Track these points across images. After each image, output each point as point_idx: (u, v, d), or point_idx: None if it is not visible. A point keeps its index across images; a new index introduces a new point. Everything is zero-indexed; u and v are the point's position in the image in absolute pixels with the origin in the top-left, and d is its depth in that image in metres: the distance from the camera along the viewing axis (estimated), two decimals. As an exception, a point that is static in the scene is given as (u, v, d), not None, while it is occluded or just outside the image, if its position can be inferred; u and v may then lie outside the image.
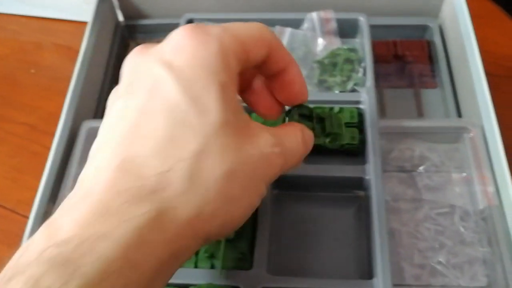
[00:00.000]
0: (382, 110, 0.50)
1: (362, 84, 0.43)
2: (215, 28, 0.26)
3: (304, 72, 0.45)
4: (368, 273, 0.36)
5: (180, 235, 0.23)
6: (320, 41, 0.46)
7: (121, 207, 0.22)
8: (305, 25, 0.47)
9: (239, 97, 0.31)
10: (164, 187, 0.23)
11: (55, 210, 0.39)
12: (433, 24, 0.54)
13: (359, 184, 0.39)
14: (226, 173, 0.24)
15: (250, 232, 0.36)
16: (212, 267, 0.35)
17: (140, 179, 0.23)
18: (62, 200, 0.40)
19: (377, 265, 0.34)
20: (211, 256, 0.35)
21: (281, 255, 0.38)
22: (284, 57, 0.29)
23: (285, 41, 0.46)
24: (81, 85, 0.48)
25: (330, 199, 0.40)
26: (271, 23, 0.48)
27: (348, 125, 0.41)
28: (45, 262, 0.20)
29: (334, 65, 0.45)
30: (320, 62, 0.45)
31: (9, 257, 0.22)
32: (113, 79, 0.54)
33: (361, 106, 0.42)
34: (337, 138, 0.39)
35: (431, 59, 0.53)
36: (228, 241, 0.35)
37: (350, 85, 0.43)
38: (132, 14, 0.57)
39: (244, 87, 0.31)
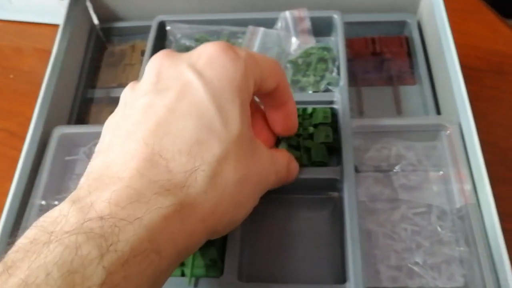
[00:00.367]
0: (360, 108, 0.49)
1: (336, 83, 0.42)
2: (242, 51, 0.29)
3: (277, 73, 0.44)
4: (342, 277, 0.35)
5: (196, 229, 0.26)
6: (294, 41, 0.45)
7: (151, 196, 0.24)
8: (279, 24, 0.46)
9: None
10: (190, 184, 0.25)
11: (25, 219, 0.39)
12: (411, 20, 0.54)
13: (333, 185, 0.38)
14: (239, 179, 0.27)
15: (221, 238, 0.36)
16: (183, 274, 0.34)
17: (168, 173, 0.25)
18: (32, 207, 0.39)
19: (350, 269, 0.33)
20: (181, 264, 0.35)
21: (254, 260, 0.37)
22: (287, 93, 0.33)
23: (258, 41, 0.46)
24: (53, 90, 0.47)
25: (304, 201, 0.39)
26: (244, 23, 0.47)
27: (322, 125, 0.40)
28: (84, 233, 0.22)
29: (308, 64, 0.44)
30: (294, 62, 0.44)
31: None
32: (88, 83, 0.54)
33: (334, 106, 0.41)
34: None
35: (410, 55, 0.53)
36: (199, 248, 0.35)
37: (323, 85, 0.42)
38: (107, 16, 0.56)
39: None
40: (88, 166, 0.28)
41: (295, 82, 0.44)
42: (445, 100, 0.47)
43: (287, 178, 0.34)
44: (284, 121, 0.34)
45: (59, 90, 0.48)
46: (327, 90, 0.43)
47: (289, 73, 0.44)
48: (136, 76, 0.51)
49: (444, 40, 0.46)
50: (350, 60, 0.52)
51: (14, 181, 0.41)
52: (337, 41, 0.45)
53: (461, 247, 0.38)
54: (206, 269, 0.34)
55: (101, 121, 0.50)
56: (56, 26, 0.66)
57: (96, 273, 0.21)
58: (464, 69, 0.66)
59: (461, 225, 0.39)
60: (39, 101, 0.46)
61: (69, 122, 0.49)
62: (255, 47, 0.46)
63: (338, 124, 0.40)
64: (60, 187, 0.43)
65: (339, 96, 0.41)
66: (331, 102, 0.41)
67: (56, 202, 0.41)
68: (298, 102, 0.41)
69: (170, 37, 0.48)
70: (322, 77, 0.43)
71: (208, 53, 0.28)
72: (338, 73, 0.43)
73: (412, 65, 0.52)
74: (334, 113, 0.41)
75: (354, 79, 0.51)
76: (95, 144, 0.44)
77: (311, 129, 0.40)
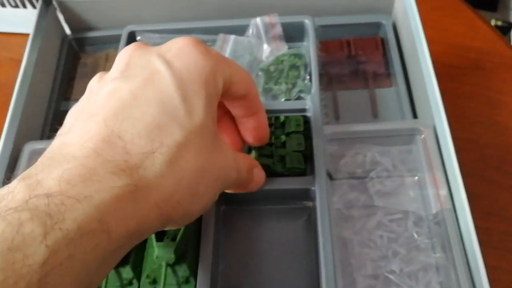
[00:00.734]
0: (336, 113, 0.49)
1: (308, 91, 0.42)
2: (214, 51, 0.29)
3: (249, 81, 0.43)
4: (318, 288, 0.35)
5: (149, 214, 0.25)
6: (266, 47, 0.45)
7: (105, 175, 0.23)
8: (250, 31, 0.46)
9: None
10: (146, 167, 0.25)
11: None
12: (386, 21, 0.53)
13: (307, 194, 0.38)
14: (198, 169, 0.27)
15: (193, 254, 0.35)
16: (155, 292, 0.34)
17: (125, 154, 0.25)
18: None
19: (322, 280, 0.33)
20: (154, 282, 0.34)
21: (229, 274, 0.36)
22: (257, 104, 0.33)
23: (229, 49, 0.45)
24: (24, 103, 0.46)
25: (278, 211, 0.39)
26: (214, 31, 0.47)
27: (295, 133, 0.40)
28: (29, 210, 0.21)
29: (280, 72, 0.44)
30: (265, 70, 0.44)
31: None
32: (61, 95, 0.53)
33: (307, 114, 0.41)
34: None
35: (386, 57, 0.52)
36: (170, 265, 0.34)
37: (295, 93, 0.42)
38: (80, 26, 0.56)
39: (218, 118, 0.33)
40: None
41: (267, 90, 0.43)
42: (421, 102, 0.47)
43: (249, 183, 0.34)
44: (256, 131, 0.35)
45: (30, 103, 0.47)
46: (299, 98, 0.42)
47: (261, 81, 0.43)
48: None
49: (418, 42, 0.46)
50: (325, 63, 0.51)
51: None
52: (310, 47, 0.45)
53: (438, 253, 0.38)
54: (178, 287, 0.34)
55: (74, 134, 0.49)
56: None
57: (38, 252, 0.20)
58: (443, 66, 0.66)
59: (438, 231, 0.39)
60: (8, 115, 0.45)
61: (42, 137, 0.49)
62: (226, 55, 0.45)
63: (311, 133, 0.39)
64: (32, 205, 0.42)
65: (310, 104, 0.40)
66: (304, 110, 0.41)
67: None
68: (270, 111, 0.41)
69: (141, 47, 0.47)
70: (294, 85, 0.42)
71: (179, 45, 0.28)
72: (310, 80, 0.42)
73: (388, 67, 0.52)
74: (306, 121, 0.41)
75: (329, 83, 0.51)
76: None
77: (283, 137, 0.40)
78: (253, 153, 0.39)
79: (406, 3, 0.49)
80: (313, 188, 0.37)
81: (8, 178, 0.24)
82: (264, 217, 0.39)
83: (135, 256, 0.35)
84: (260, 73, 0.44)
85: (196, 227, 0.36)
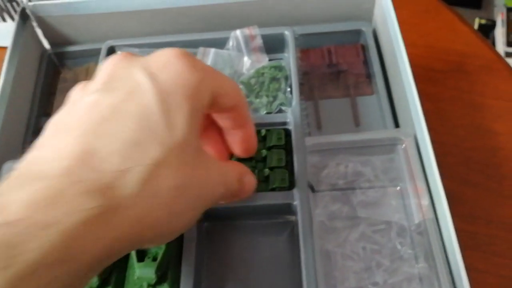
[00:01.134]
0: (318, 122, 0.48)
1: (289, 103, 0.42)
2: (202, 63, 0.29)
3: (229, 95, 0.43)
4: (301, 303, 0.35)
5: (121, 235, 0.24)
6: (246, 60, 0.45)
7: (75, 196, 0.22)
8: (230, 43, 0.46)
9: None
10: (120, 186, 0.24)
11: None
12: (366, 28, 0.53)
13: (289, 209, 0.38)
14: (177, 187, 0.25)
15: (175, 274, 0.35)
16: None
17: (99, 173, 0.23)
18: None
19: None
20: (135, 303, 0.34)
21: (212, 292, 0.36)
22: (246, 116, 0.32)
23: (209, 62, 0.45)
24: (2, 121, 0.46)
25: (261, 226, 0.39)
26: (194, 44, 0.47)
27: (276, 147, 0.40)
28: None
29: (261, 84, 0.43)
30: (246, 83, 0.44)
31: None
32: (41, 111, 0.52)
33: (288, 127, 0.41)
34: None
35: (367, 64, 0.52)
36: (152, 285, 0.34)
37: (276, 106, 0.42)
38: (59, 41, 0.55)
39: (204, 128, 0.32)
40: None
41: (248, 104, 0.43)
42: (402, 109, 0.47)
43: (240, 192, 0.33)
44: (244, 143, 0.34)
45: (9, 121, 0.47)
46: (280, 111, 0.42)
47: (241, 95, 0.43)
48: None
49: (397, 50, 0.46)
50: (306, 73, 0.51)
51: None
52: (290, 58, 0.45)
53: (421, 263, 0.38)
54: (160, 307, 0.33)
55: (55, 151, 0.49)
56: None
57: None
58: (424, 70, 0.66)
59: (421, 241, 0.39)
60: (-14, 135, 0.45)
61: (22, 156, 0.48)
62: (206, 68, 0.45)
63: (292, 147, 0.39)
64: (13, 225, 0.42)
65: (291, 117, 0.40)
66: (285, 123, 0.41)
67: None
68: (251, 125, 0.41)
69: (120, 62, 0.46)
70: (275, 98, 0.42)
71: (165, 57, 0.27)
72: (291, 92, 0.42)
73: (369, 75, 0.52)
74: (288, 134, 0.41)
75: (311, 92, 0.51)
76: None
77: (264, 152, 0.39)
78: None
79: (385, 10, 0.49)
80: (294, 202, 0.37)
81: None
82: (247, 233, 0.39)
83: (116, 278, 0.34)
84: (240, 86, 0.44)
85: (177, 245, 0.36)
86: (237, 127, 0.33)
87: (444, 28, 0.70)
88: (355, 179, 0.42)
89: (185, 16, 0.51)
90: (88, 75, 0.54)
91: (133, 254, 0.34)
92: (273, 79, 0.43)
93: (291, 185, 0.38)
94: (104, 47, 0.48)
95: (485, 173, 0.55)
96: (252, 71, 0.44)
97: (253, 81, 0.44)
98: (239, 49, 0.45)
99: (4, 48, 0.64)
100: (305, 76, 0.51)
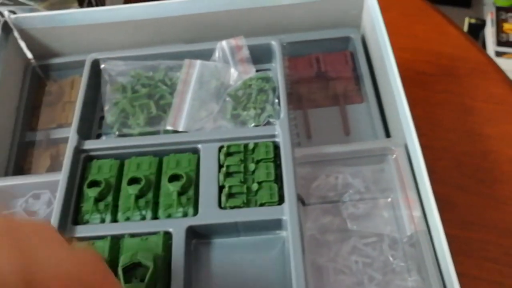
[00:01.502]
0: (307, 132, 0.48)
1: (277, 115, 0.41)
2: None
3: (216, 107, 0.43)
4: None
5: None
6: (233, 71, 0.44)
7: None
8: (216, 55, 0.45)
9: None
10: None
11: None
12: (354, 35, 0.53)
13: (279, 224, 0.37)
14: None
15: (163, 292, 0.34)
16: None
17: None
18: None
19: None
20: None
21: (202, 311, 0.36)
22: None
23: (195, 74, 0.44)
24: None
25: (251, 243, 0.38)
26: (180, 56, 0.46)
27: (264, 161, 0.39)
28: None
29: (248, 96, 0.43)
30: (233, 95, 0.43)
31: None
32: (26, 125, 0.51)
33: (276, 139, 0.40)
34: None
35: (356, 72, 0.52)
36: (140, 307, 0.33)
37: (263, 118, 0.41)
38: (43, 53, 0.54)
39: None
40: None
41: (235, 116, 0.42)
42: (392, 117, 0.46)
43: None
44: None
45: (-7, 137, 0.46)
46: (268, 123, 0.41)
47: (229, 107, 0.43)
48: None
49: (386, 57, 0.45)
50: (295, 81, 0.51)
51: None
52: (277, 69, 0.44)
53: (413, 276, 0.37)
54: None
55: (40, 167, 0.48)
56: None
57: None
58: (414, 74, 0.66)
59: (413, 253, 0.38)
60: (-31, 152, 0.44)
61: (7, 171, 0.47)
62: (193, 81, 0.44)
63: (281, 160, 0.39)
64: (-2, 246, 0.41)
65: (280, 130, 0.40)
66: (273, 136, 0.40)
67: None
68: (239, 138, 0.40)
69: (105, 76, 0.46)
70: (263, 110, 0.42)
71: None
72: (279, 104, 0.42)
73: (358, 82, 0.51)
74: (277, 146, 0.40)
75: (299, 102, 0.50)
76: (33, 196, 0.43)
77: (252, 166, 0.39)
78: (224, 192, 0.38)
79: (373, 15, 0.48)
80: (284, 218, 0.36)
81: None
82: (236, 249, 0.38)
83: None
84: (228, 98, 0.43)
85: (165, 265, 0.35)
86: None
87: (433, 31, 0.70)
88: (345, 191, 0.41)
89: (170, 26, 0.51)
90: (73, 88, 0.53)
91: (121, 275, 0.34)
92: (261, 90, 0.43)
93: (281, 200, 0.38)
94: (88, 60, 0.47)
95: (476, 178, 0.54)
96: (239, 82, 0.43)
97: (240, 93, 0.43)
98: (225, 60, 0.45)
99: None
100: (293, 85, 0.50)
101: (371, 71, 0.51)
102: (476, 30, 1.31)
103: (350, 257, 0.39)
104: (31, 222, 0.25)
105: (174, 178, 0.39)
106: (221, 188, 0.38)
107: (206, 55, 0.46)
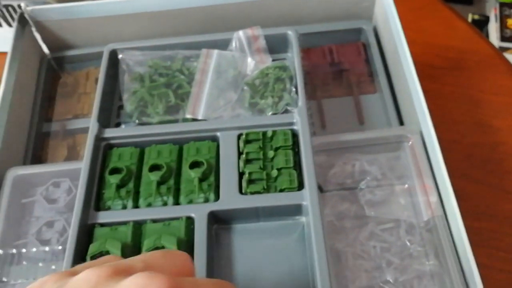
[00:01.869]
0: (322, 122, 0.48)
1: (294, 104, 0.41)
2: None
3: (234, 96, 0.43)
4: (314, 303, 0.35)
5: None
6: (250, 61, 0.45)
7: None
8: (233, 45, 0.45)
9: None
10: None
11: None
12: (367, 27, 0.53)
13: (299, 210, 0.38)
14: None
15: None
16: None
17: None
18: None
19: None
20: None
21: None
22: None
23: (212, 64, 0.45)
24: (4, 128, 0.45)
25: (271, 228, 0.39)
26: (197, 46, 0.46)
27: (283, 148, 0.40)
28: None
29: (266, 85, 0.43)
30: (250, 84, 0.43)
31: None
32: (42, 116, 0.52)
33: (294, 127, 0.41)
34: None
35: (368, 62, 0.52)
36: None
37: (281, 106, 0.42)
38: (59, 45, 0.55)
39: None
40: None
41: (253, 105, 0.43)
42: (406, 107, 0.47)
43: None
44: None
45: (11, 127, 0.46)
46: (286, 111, 0.42)
47: (246, 96, 0.43)
48: (92, 106, 0.50)
49: (400, 47, 0.46)
50: (309, 72, 0.51)
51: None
52: (294, 58, 0.44)
53: (431, 261, 0.38)
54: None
55: (58, 157, 0.48)
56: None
57: None
58: (423, 67, 0.66)
59: (430, 238, 0.39)
60: (-11, 142, 0.44)
61: (25, 161, 0.48)
62: (210, 70, 0.45)
63: (299, 147, 0.39)
64: (19, 232, 0.42)
65: (298, 118, 0.40)
66: (291, 124, 0.41)
67: (14, 250, 0.40)
68: (257, 126, 0.41)
69: (123, 66, 0.46)
70: (280, 98, 0.42)
71: None
72: (296, 92, 0.42)
73: (371, 73, 0.52)
74: (295, 134, 0.41)
75: (313, 92, 0.50)
76: (53, 184, 0.43)
77: (271, 153, 0.39)
78: (244, 178, 0.39)
79: (386, 7, 0.49)
80: (305, 203, 0.37)
81: None
82: (256, 234, 0.39)
83: None
84: (245, 87, 0.43)
85: (188, 249, 0.36)
86: None
87: (441, 25, 0.70)
88: (362, 178, 0.42)
89: (185, 18, 0.51)
90: (88, 79, 0.53)
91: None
92: (278, 79, 0.43)
93: (300, 186, 0.38)
94: (106, 50, 0.47)
95: (486, 169, 0.55)
96: (256, 72, 0.44)
97: (257, 82, 0.44)
98: (242, 50, 0.45)
99: (1, 53, 0.64)
100: (307, 75, 0.51)
101: (383, 62, 0.51)
102: (480, 26, 1.32)
103: (368, 243, 0.39)
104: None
105: (195, 165, 0.39)
106: (241, 174, 0.39)
107: (222, 45, 0.46)
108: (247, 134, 0.40)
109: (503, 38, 1.18)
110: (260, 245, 0.38)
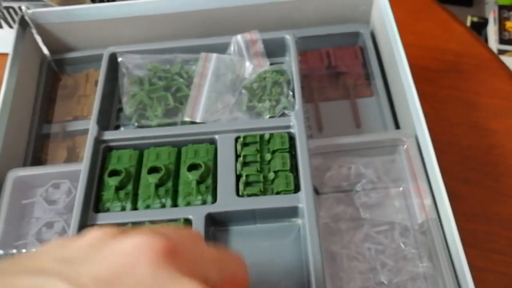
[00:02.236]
0: (319, 124, 0.49)
1: (291, 107, 0.42)
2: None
3: (232, 100, 0.44)
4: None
5: None
6: (248, 64, 0.45)
7: None
8: (231, 48, 0.46)
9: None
10: None
11: None
12: (364, 30, 0.54)
13: (295, 212, 0.38)
14: None
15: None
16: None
17: None
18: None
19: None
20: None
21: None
22: None
23: (211, 67, 0.45)
24: (5, 129, 0.46)
25: (267, 230, 0.39)
26: (196, 49, 0.47)
27: (280, 151, 0.40)
28: None
29: (263, 89, 0.44)
30: (248, 88, 0.44)
31: None
32: (42, 118, 0.52)
33: (291, 130, 0.41)
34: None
35: (365, 66, 0.53)
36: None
37: (279, 110, 0.42)
38: (58, 48, 0.55)
39: None
40: None
41: (251, 108, 0.43)
42: (402, 110, 0.47)
43: None
44: None
45: (12, 129, 0.47)
46: (283, 114, 0.42)
47: (244, 99, 0.44)
48: (91, 108, 0.50)
49: (396, 52, 0.46)
50: (306, 75, 0.52)
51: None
52: (291, 63, 0.45)
53: (425, 263, 0.39)
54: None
55: (57, 158, 0.49)
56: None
57: None
58: (420, 70, 0.67)
59: (424, 240, 0.39)
60: (-11, 144, 0.45)
61: (25, 163, 0.48)
62: (209, 74, 0.45)
63: (296, 150, 0.40)
64: (19, 233, 0.42)
65: (295, 121, 0.41)
66: (288, 127, 0.41)
67: (14, 251, 0.40)
68: (255, 129, 0.42)
69: (123, 69, 0.47)
70: (278, 102, 0.43)
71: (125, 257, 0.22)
72: (294, 96, 0.43)
73: (368, 76, 0.52)
74: (291, 137, 0.41)
75: (310, 95, 0.51)
76: (53, 185, 0.44)
77: (268, 156, 0.40)
78: (241, 181, 0.39)
79: (383, 11, 0.49)
80: (301, 205, 0.37)
81: None
82: (253, 236, 0.39)
83: None
84: (243, 91, 0.44)
85: (186, 250, 0.36)
86: None
87: (438, 28, 0.71)
88: (358, 181, 0.42)
89: (184, 21, 0.52)
90: (88, 81, 0.54)
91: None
92: (275, 83, 0.44)
93: (296, 188, 0.39)
94: (105, 53, 0.48)
95: (482, 171, 0.56)
96: (254, 75, 0.45)
97: (255, 85, 0.44)
98: (240, 54, 0.46)
99: (2, 54, 0.65)
100: (304, 79, 0.51)
101: (380, 66, 0.52)
102: (478, 29, 1.32)
103: (363, 245, 0.40)
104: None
105: (192, 167, 0.40)
106: (238, 177, 0.40)
107: (221, 48, 0.47)
108: (244, 137, 0.41)
109: (502, 41, 1.18)
110: (256, 246, 0.39)
